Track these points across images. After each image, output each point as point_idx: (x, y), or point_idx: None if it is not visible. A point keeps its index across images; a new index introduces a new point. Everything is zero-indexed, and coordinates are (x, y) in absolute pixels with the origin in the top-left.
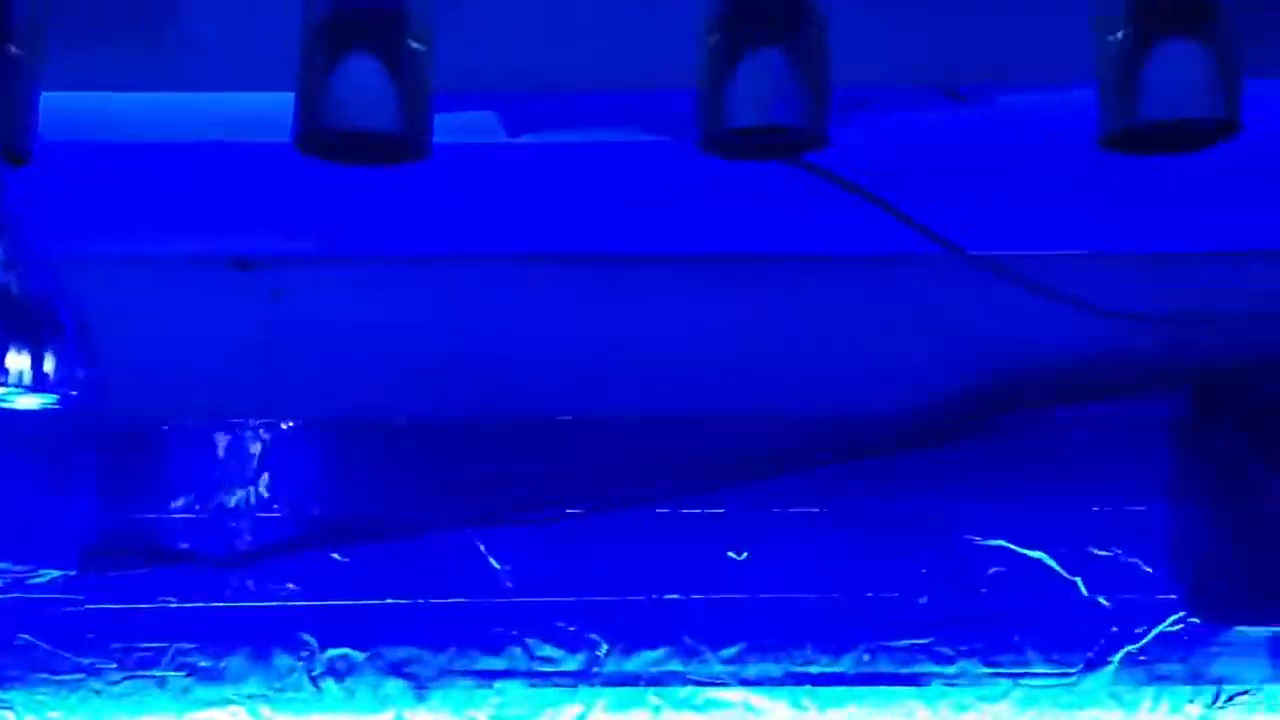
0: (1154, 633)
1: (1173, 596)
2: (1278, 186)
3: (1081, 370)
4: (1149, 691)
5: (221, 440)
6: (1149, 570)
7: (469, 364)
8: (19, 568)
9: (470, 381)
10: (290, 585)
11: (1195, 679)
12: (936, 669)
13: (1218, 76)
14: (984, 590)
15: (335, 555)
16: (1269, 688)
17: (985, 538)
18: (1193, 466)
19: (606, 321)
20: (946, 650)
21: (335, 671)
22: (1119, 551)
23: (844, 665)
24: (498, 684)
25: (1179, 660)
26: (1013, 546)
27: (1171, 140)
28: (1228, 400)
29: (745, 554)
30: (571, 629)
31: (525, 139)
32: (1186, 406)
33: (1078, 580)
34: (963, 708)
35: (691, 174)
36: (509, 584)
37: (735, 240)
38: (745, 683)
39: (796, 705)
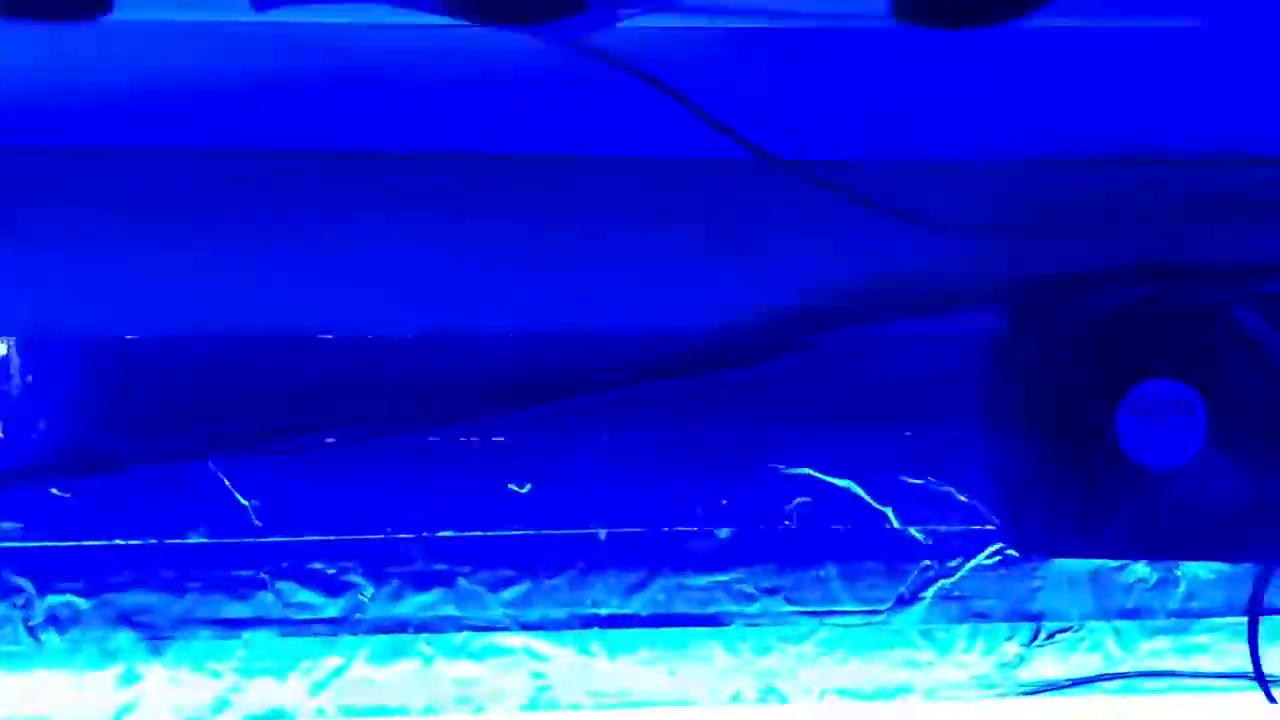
0: (969, 566)
1: (989, 528)
2: (1107, 87)
3: (894, 284)
4: (963, 630)
5: None
6: (964, 499)
7: (208, 274)
8: None
9: (208, 293)
10: (1, 523)
11: (1013, 615)
12: (737, 608)
13: None
14: (788, 523)
15: (54, 490)
16: (1092, 624)
17: (789, 466)
18: (1012, 388)
19: (369, 229)
20: (748, 588)
21: (56, 621)
22: (932, 480)
23: (636, 606)
24: (245, 634)
25: (996, 596)
26: (819, 475)
27: (971, 11)
28: (1048, 317)
29: (527, 486)
30: (330, 572)
31: (274, 15)
32: (1005, 323)
33: (888, 511)
34: (765, 650)
35: (462, 61)
36: (257, 521)
37: (519, 139)
38: (527, 627)
39: (584, 650)
